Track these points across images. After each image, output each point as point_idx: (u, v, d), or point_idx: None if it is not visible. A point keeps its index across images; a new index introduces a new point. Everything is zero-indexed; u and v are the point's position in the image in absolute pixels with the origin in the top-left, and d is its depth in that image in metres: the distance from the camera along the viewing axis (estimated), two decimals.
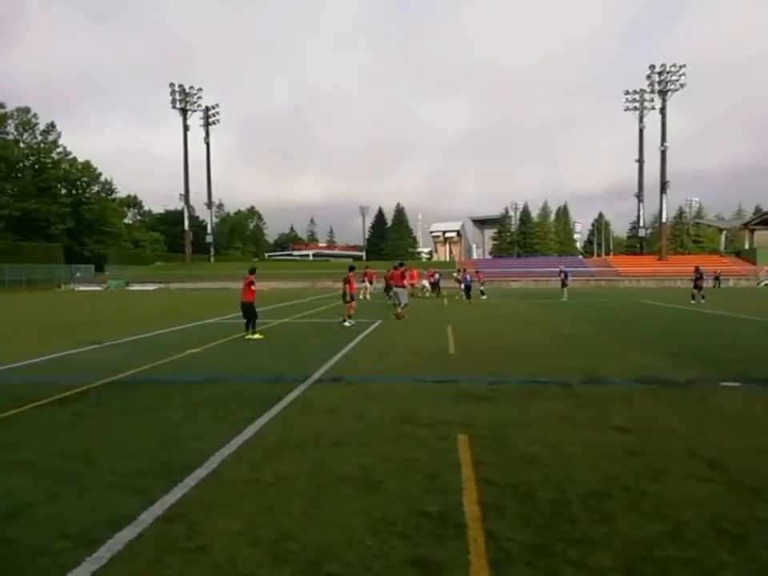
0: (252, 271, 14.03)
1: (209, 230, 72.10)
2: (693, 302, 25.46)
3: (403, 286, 18.85)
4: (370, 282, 31.13)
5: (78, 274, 63.27)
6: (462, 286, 28.86)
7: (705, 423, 5.66)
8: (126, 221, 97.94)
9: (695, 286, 26.75)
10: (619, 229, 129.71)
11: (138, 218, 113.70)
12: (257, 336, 13.15)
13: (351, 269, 17.45)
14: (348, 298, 16.38)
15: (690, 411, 6.14)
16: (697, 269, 27.61)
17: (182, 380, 8.33)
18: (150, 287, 55.89)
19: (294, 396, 7.11)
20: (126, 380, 8.37)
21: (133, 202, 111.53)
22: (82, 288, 56.09)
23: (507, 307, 24.50)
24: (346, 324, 15.63)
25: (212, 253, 72.99)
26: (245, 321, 13.50)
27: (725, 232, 71.51)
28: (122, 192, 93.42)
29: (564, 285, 30.37)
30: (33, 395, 7.22)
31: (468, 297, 27.63)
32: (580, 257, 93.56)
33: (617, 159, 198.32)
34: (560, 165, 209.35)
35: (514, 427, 5.57)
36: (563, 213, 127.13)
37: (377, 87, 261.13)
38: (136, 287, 56.20)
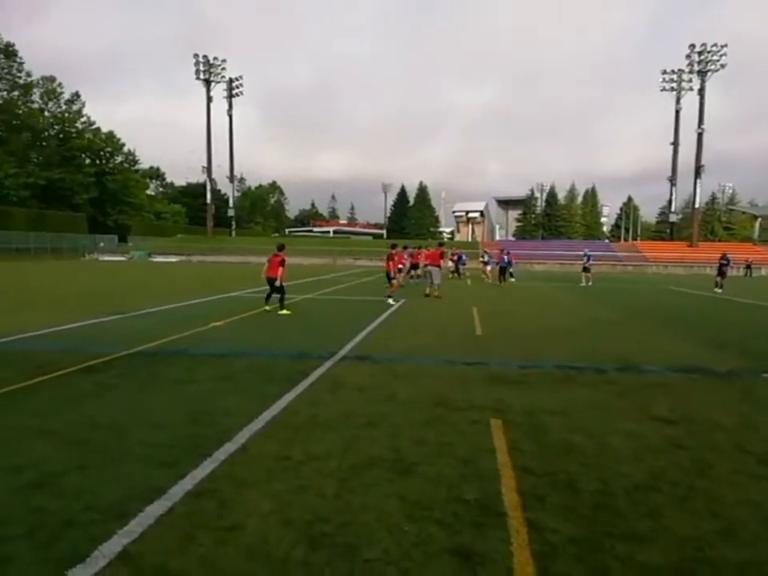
0: (281, 248, 13.73)
1: (231, 203, 72.26)
2: (716, 289, 24.88)
3: (439, 266, 18.61)
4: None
5: (102, 244, 64.06)
6: (491, 267, 28.26)
7: (752, 417, 5.41)
8: (148, 192, 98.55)
9: (719, 273, 25.98)
10: (648, 214, 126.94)
11: (161, 189, 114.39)
12: (284, 312, 13.05)
13: (393, 246, 17.80)
14: (392, 275, 16.63)
15: (735, 403, 5.89)
16: (723, 255, 26.82)
17: (207, 353, 8.27)
18: (173, 259, 56.35)
19: (320, 372, 7.00)
20: (150, 351, 8.34)
21: (155, 174, 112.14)
22: (106, 258, 56.82)
23: (533, 290, 24.14)
24: (390, 302, 15.59)
25: (233, 227, 73.26)
26: (269, 293, 13.47)
27: (759, 219, 69.44)
28: (144, 163, 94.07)
29: (586, 269, 29.28)
30: (58, 363, 7.21)
31: (503, 279, 26.98)
32: (606, 240, 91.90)
33: (648, 142, 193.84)
34: (589, 146, 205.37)
35: (550, 414, 5.39)
36: (591, 195, 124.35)
37: (404, 64, 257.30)
38: (158, 258, 56.73)
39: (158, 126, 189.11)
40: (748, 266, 44.31)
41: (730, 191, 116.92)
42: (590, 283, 28.18)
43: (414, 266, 25.63)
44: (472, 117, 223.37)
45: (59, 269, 36.26)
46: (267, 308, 13.24)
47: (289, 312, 13.10)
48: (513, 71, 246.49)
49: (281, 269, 13.20)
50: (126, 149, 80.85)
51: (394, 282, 16.92)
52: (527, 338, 10.21)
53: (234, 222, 73.28)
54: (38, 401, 5.61)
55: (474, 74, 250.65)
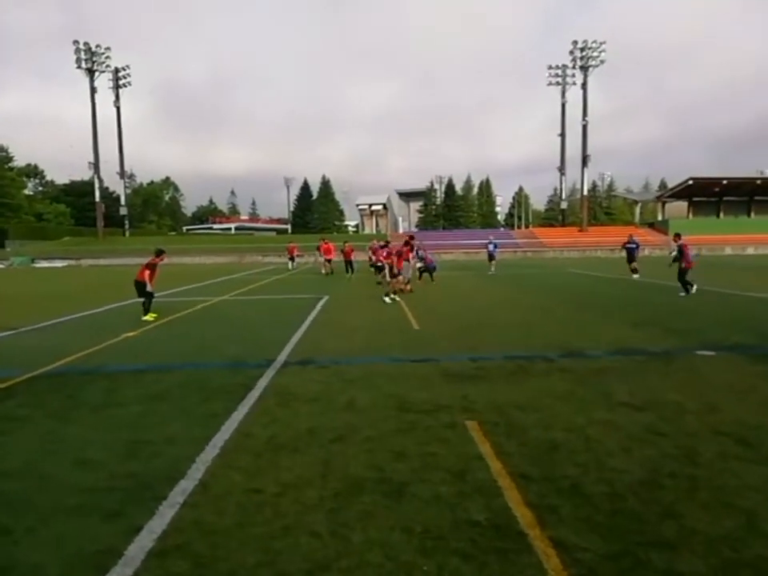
0: (159, 253, 12.78)
1: (122, 201, 67.29)
2: (635, 276, 22.05)
3: (408, 261, 18.01)
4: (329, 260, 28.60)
5: None
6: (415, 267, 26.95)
7: (710, 396, 5.51)
8: (26, 192, 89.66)
9: (630, 258, 23.04)
10: (536, 202, 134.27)
11: (40, 189, 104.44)
12: (149, 317, 12.03)
13: (407, 243, 17.35)
14: (395, 272, 15.92)
15: (688, 384, 6.01)
16: (630, 238, 23.61)
17: (128, 369, 7.34)
18: (59, 264, 51.64)
19: (264, 384, 6.37)
20: (59, 371, 7.27)
21: (33, 172, 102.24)
22: None
23: (449, 280, 24.39)
24: (387, 300, 14.80)
25: (127, 226, 68.42)
26: (142, 301, 12.37)
27: (639, 204, 75.55)
28: (20, 161, 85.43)
29: (492, 257, 29.84)
30: None
31: (428, 277, 22.29)
32: (501, 228, 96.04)
33: (534, 136, 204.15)
34: (483, 140, 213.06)
35: (521, 410, 5.18)
36: (486, 186, 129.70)
37: (303, 60, 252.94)
38: (43, 264, 51.75)
39: (33, 121, 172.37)
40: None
41: (609, 179, 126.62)
42: (493, 270, 28.67)
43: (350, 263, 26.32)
44: (373, 112, 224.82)
45: None
46: (150, 317, 12.06)
47: (153, 317, 12.07)
48: (412, 68, 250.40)
49: (147, 272, 12.17)
50: None
51: (400, 278, 16.35)
52: (465, 330, 10.09)
53: (127, 222, 68.42)
54: None
55: (375, 69, 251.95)
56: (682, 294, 15.05)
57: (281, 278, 27.16)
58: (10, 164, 77.16)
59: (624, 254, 24.18)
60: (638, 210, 75.98)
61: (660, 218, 66.93)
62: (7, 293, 21.62)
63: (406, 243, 17.38)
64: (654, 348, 7.96)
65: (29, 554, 2.93)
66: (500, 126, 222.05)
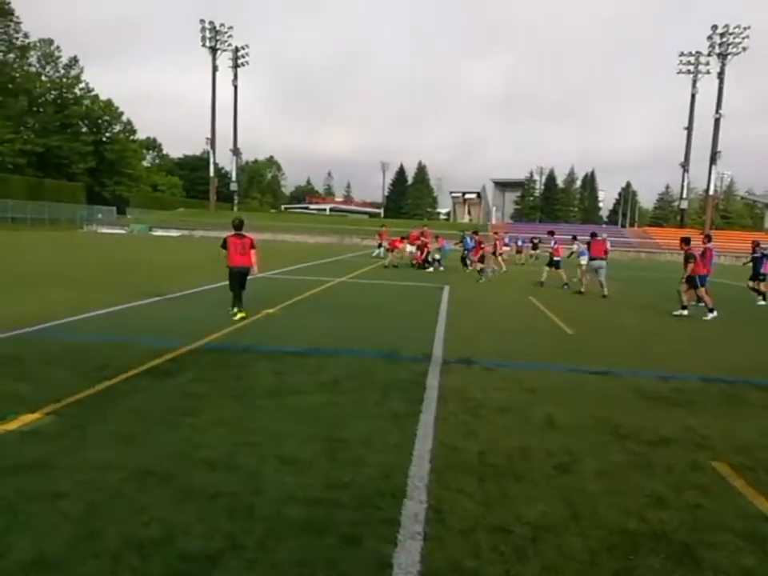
0: (239, 225, 9.42)
1: (233, 177, 70.24)
2: (760, 302, 15.50)
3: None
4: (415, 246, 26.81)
5: (100, 216, 62.15)
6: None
7: None
8: (144, 164, 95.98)
9: (756, 276, 16.07)
10: (644, 201, 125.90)
11: (157, 161, 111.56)
12: (241, 315, 9.14)
13: (476, 232, 18.41)
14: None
15: None
16: (757, 244, 16.44)
17: (283, 350, 7.09)
18: (174, 233, 54.69)
19: (434, 383, 5.84)
20: (216, 346, 7.16)
21: (152, 145, 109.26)
22: (105, 230, 55.04)
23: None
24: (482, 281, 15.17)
25: (236, 201, 71.36)
26: (234, 294, 9.30)
27: None
28: (141, 134, 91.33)
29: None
30: (115, 363, 6.04)
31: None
32: (603, 225, 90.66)
33: (647, 129, 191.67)
34: (589, 132, 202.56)
35: None
36: (590, 180, 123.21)
37: (410, 43, 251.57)
38: (159, 232, 55.01)
39: (153, 96, 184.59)
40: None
41: (729, 179, 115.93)
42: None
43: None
44: (474, 100, 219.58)
45: (61, 240, 34.70)
46: (242, 314, 9.15)
47: (244, 315, 9.16)
48: (519, 53, 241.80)
49: (254, 252, 9.34)
50: (123, 118, 78.35)
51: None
52: (626, 338, 9.12)
53: (236, 197, 71.35)
54: (122, 419, 4.42)
55: (477, 56, 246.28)
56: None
57: (385, 262, 26.85)
58: (133, 137, 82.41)
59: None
60: None
61: None
62: (139, 258, 22.85)
63: (476, 233, 18.29)
64: None
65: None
66: (611, 117, 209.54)
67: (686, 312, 11.91)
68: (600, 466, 3.93)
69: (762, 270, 15.91)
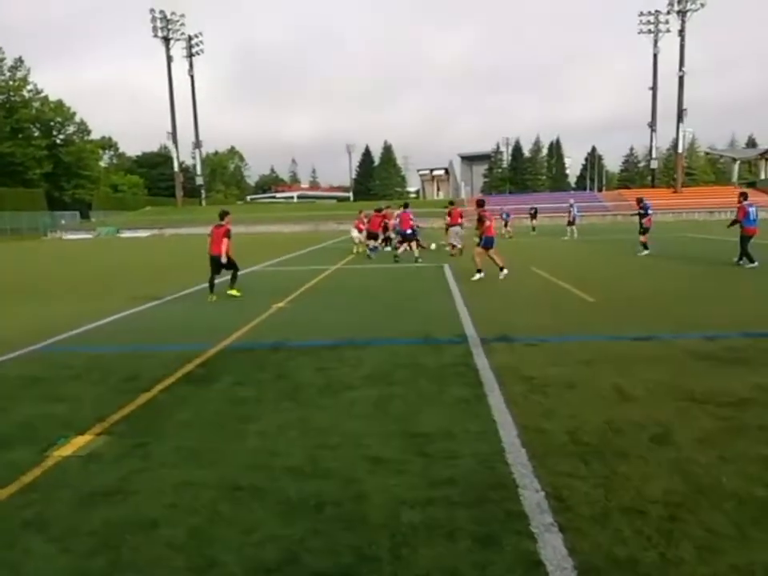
0: (223, 216, 10.83)
1: (198, 171, 68.56)
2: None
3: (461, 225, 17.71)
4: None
5: (63, 222, 60.09)
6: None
7: None
8: (101, 164, 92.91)
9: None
10: (610, 164, 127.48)
11: (115, 161, 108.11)
12: (234, 292, 10.69)
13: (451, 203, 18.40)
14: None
15: None
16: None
17: (313, 344, 6.84)
18: (143, 234, 53.26)
19: (484, 364, 5.67)
20: (241, 345, 6.87)
21: (108, 144, 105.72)
22: (70, 236, 53.30)
23: (556, 247, 23.10)
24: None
25: (203, 195, 69.79)
26: (211, 278, 10.58)
27: (738, 162, 69.97)
28: (95, 134, 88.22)
29: (571, 222, 27.90)
30: (145, 372, 5.71)
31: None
32: (573, 190, 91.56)
33: (609, 93, 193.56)
34: (552, 99, 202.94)
35: None
36: (555, 147, 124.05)
37: (370, 20, 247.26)
38: (127, 234, 53.53)
39: (105, 93, 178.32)
40: None
41: (691, 137, 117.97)
42: (576, 236, 27.08)
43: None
44: (436, 75, 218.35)
45: (28, 250, 33.46)
46: (213, 297, 10.35)
47: (239, 293, 10.72)
48: (480, 22, 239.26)
49: (225, 241, 10.43)
50: (76, 118, 75.45)
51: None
52: (645, 300, 9.12)
53: (203, 191, 69.76)
54: (179, 433, 4.13)
55: (437, 29, 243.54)
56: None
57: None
58: (88, 137, 79.54)
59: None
60: (736, 168, 70.24)
61: (763, 176, 61.44)
62: (121, 263, 22.10)
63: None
64: None
65: None
66: (574, 83, 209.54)
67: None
68: (696, 434, 3.81)
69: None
